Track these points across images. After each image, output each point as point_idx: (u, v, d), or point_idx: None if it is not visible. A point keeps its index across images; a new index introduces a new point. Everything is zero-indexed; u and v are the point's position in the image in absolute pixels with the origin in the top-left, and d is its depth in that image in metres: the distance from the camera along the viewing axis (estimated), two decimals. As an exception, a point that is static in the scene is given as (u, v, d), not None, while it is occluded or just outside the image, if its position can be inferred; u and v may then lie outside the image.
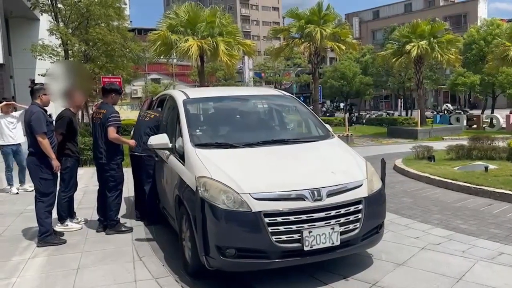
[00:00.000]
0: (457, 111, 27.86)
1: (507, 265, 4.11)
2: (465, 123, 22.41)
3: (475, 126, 22.33)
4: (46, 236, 5.05)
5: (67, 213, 5.69)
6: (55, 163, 5.05)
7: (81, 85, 5.45)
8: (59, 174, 5.30)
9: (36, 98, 5.18)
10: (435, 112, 30.46)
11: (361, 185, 3.92)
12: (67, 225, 5.65)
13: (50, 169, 5.04)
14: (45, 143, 4.93)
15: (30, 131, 5.00)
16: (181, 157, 4.33)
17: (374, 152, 12.94)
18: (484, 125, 22.21)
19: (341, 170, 4.03)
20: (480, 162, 8.96)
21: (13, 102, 8.79)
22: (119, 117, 5.48)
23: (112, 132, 5.29)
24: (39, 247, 4.99)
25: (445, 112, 27.85)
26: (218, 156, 4.10)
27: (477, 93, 30.76)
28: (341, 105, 46.14)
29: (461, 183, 7.39)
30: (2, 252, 4.90)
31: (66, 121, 5.45)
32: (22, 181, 8.42)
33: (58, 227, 5.52)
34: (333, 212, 3.68)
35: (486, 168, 8.25)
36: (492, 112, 26.94)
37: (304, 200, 3.61)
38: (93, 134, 5.68)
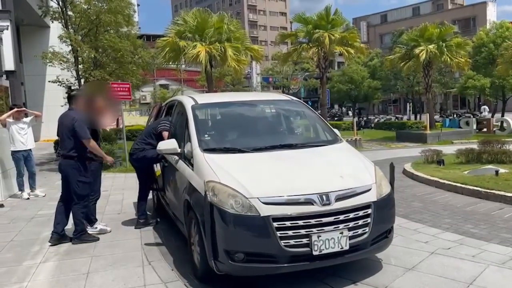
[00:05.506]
0: (466, 114, 27.61)
1: (519, 270, 4.06)
2: (475, 126, 22.21)
3: (485, 129, 22.12)
4: (82, 234, 5.39)
5: (95, 215, 5.88)
6: (108, 158, 5.73)
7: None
8: (83, 178, 5.41)
9: (73, 104, 5.45)
10: (444, 116, 30.25)
11: (369, 189, 3.92)
12: (96, 227, 5.79)
13: (87, 172, 5.35)
14: (93, 145, 5.32)
15: (72, 135, 5.24)
16: (190, 162, 4.36)
17: (383, 156, 12.89)
18: (494, 129, 21.99)
19: (349, 175, 4.02)
20: (490, 166, 8.88)
21: (24, 109, 8.91)
22: (168, 123, 5.79)
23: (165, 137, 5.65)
24: (74, 244, 5.28)
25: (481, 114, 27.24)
26: (227, 161, 4.12)
27: (487, 96, 30.50)
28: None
29: (471, 187, 7.32)
30: (14, 256, 4.97)
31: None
32: (32, 187, 8.52)
33: (89, 230, 5.66)
34: (341, 217, 3.67)
35: (497, 172, 8.17)
36: (503, 115, 26.70)
37: (313, 204, 3.61)
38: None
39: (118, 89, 11.90)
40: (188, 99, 5.36)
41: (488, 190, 7.00)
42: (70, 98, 5.53)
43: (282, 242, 3.50)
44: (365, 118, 35.52)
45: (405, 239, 5.02)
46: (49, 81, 15.08)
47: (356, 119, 25.67)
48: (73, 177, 5.28)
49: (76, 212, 5.35)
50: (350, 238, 3.67)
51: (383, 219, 3.96)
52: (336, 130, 5.13)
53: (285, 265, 3.57)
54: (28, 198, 8.26)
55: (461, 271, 4.05)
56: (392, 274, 4.05)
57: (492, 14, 52.23)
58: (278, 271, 3.66)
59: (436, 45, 20.81)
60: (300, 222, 3.55)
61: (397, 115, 39.85)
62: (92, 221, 5.80)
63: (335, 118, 38.43)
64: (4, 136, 8.35)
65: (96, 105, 5.66)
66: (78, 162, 5.29)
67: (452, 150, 11.10)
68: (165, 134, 5.62)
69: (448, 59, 21.06)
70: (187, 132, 4.69)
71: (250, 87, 43.63)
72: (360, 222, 3.76)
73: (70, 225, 5.51)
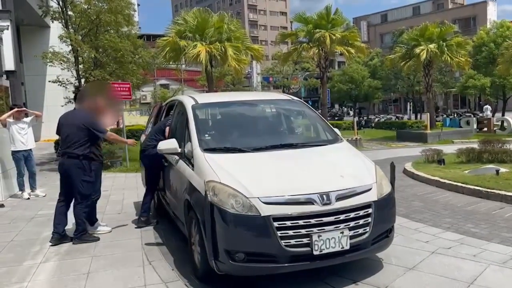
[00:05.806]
0: (466, 114, 27.60)
1: (520, 269, 4.06)
2: (475, 126, 22.21)
3: (485, 129, 22.11)
4: (83, 234, 5.37)
5: (96, 215, 5.87)
6: (130, 142, 6.19)
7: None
8: (87, 178, 5.40)
9: (79, 103, 5.54)
10: (445, 116, 30.24)
11: (370, 189, 3.91)
12: (96, 227, 5.79)
13: (92, 172, 5.35)
14: (112, 136, 5.61)
15: (86, 134, 5.27)
16: (190, 161, 4.36)
17: (384, 156, 12.88)
18: (494, 128, 21.99)
19: (350, 174, 4.02)
20: (491, 165, 8.87)
21: (25, 109, 8.90)
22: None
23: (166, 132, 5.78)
24: (74, 244, 5.27)
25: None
26: (227, 161, 4.11)
27: (487, 95, 30.52)
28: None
29: (471, 187, 7.31)
30: (14, 256, 4.97)
31: None
32: (33, 187, 8.51)
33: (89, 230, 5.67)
34: (342, 216, 3.66)
35: (497, 171, 8.17)
36: (503, 115, 26.70)
37: (313, 204, 3.60)
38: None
39: (119, 89, 11.93)
40: (189, 98, 5.35)
41: (489, 190, 6.99)
42: (77, 97, 5.61)
43: (283, 242, 3.50)
44: (365, 118, 35.55)
45: (406, 239, 5.01)
46: (49, 81, 15.08)
47: (356, 118, 25.71)
48: (77, 176, 5.26)
49: (78, 212, 5.33)
50: (351, 237, 3.66)
51: (384, 219, 3.95)
52: (336, 130, 5.12)
53: (286, 265, 3.56)
54: (28, 198, 8.25)
55: (462, 270, 4.04)
56: (392, 273, 4.04)
57: (492, 13, 52.21)
58: (279, 271, 3.66)
59: (436, 45, 20.82)
60: (301, 222, 3.55)
61: (397, 115, 39.90)
62: (93, 221, 5.79)
63: (336, 118, 38.46)
64: (4, 136, 8.35)
65: (100, 105, 5.65)
66: (82, 162, 5.26)
67: (453, 150, 11.11)
68: (167, 129, 5.68)
69: (449, 59, 21.08)
70: (187, 132, 4.68)
71: (250, 87, 43.59)
72: (361, 221, 3.75)
73: (70, 225, 5.51)
